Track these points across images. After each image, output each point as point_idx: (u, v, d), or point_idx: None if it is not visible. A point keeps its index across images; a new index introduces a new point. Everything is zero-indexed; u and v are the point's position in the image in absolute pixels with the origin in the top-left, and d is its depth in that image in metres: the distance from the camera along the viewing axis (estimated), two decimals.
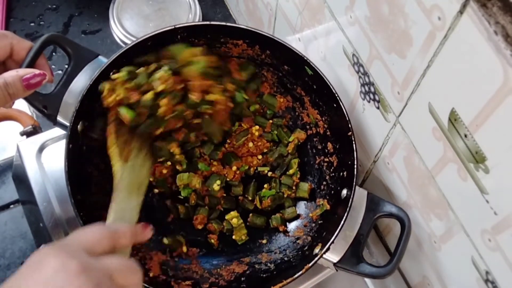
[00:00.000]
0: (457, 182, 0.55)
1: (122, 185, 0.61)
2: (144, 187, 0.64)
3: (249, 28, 0.72)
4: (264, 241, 0.75)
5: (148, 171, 0.66)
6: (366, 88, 0.67)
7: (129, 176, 0.63)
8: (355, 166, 0.66)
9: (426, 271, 0.70)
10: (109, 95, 0.64)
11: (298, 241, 0.70)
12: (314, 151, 0.77)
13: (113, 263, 0.46)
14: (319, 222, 0.71)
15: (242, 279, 0.67)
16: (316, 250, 0.64)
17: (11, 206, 0.89)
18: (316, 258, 0.62)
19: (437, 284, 0.69)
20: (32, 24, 1.04)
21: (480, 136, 0.49)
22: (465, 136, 0.51)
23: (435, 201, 0.61)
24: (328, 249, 0.63)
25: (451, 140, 0.54)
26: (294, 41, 0.82)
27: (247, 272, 0.68)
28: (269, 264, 0.69)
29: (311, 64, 0.70)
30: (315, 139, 0.77)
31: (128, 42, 0.95)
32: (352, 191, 0.64)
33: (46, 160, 0.79)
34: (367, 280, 0.76)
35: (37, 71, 0.60)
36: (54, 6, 1.07)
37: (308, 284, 0.75)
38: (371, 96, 0.66)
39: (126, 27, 0.97)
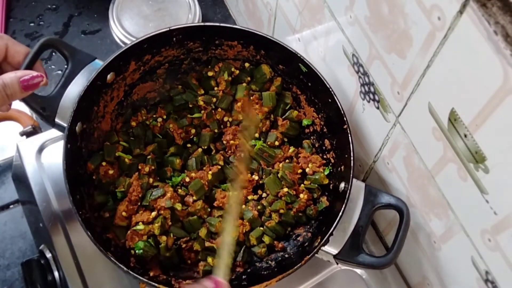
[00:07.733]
0: (457, 182, 0.55)
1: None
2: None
3: (244, 28, 0.73)
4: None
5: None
6: (366, 88, 0.67)
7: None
8: (352, 159, 0.66)
9: (426, 271, 0.70)
10: None
11: (298, 238, 0.71)
12: (313, 149, 0.77)
13: None
14: (319, 218, 0.71)
15: (243, 277, 0.66)
16: (316, 244, 0.64)
17: (11, 206, 0.89)
18: (315, 250, 0.63)
19: (437, 284, 0.69)
20: (31, 24, 1.04)
21: (480, 136, 0.49)
22: (465, 136, 0.51)
23: (435, 201, 0.61)
24: (327, 241, 0.63)
25: (451, 140, 0.54)
26: (294, 41, 0.82)
27: (248, 270, 0.68)
28: (270, 262, 0.69)
29: (305, 61, 0.70)
30: (312, 138, 0.78)
31: (128, 42, 0.95)
32: (350, 184, 0.65)
33: (46, 160, 0.79)
34: (367, 280, 0.76)
35: (34, 73, 0.61)
36: (54, 6, 1.07)
37: (308, 284, 0.75)
38: (371, 96, 0.66)
39: (126, 27, 0.97)
